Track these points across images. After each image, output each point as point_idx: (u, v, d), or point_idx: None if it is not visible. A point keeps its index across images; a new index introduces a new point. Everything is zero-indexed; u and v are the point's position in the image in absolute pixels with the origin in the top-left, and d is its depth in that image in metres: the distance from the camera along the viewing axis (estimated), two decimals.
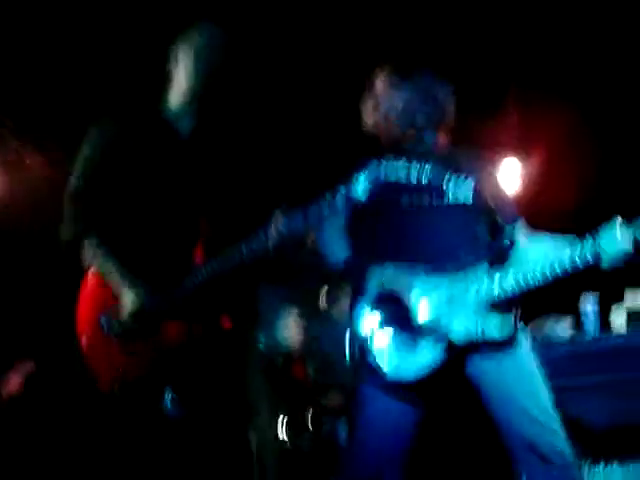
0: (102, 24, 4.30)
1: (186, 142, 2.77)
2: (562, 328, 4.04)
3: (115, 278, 2.60)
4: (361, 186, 2.56)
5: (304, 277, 4.70)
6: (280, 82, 4.40)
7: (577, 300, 4.11)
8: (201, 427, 2.60)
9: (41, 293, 4.73)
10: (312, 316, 4.74)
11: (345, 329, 4.39)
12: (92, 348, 2.60)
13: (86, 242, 2.63)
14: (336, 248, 2.81)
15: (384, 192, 2.73)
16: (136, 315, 2.56)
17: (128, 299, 2.57)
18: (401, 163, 2.77)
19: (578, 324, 4.08)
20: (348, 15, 4.21)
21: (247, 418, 2.81)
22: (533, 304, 2.80)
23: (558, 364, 3.43)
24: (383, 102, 2.91)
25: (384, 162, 2.78)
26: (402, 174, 2.80)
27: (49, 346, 4.42)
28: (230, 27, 2.87)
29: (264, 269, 2.78)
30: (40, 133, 4.96)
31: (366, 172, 2.63)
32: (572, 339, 4.00)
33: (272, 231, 2.57)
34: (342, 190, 2.57)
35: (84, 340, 2.62)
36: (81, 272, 2.70)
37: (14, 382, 4.38)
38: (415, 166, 2.81)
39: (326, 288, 4.74)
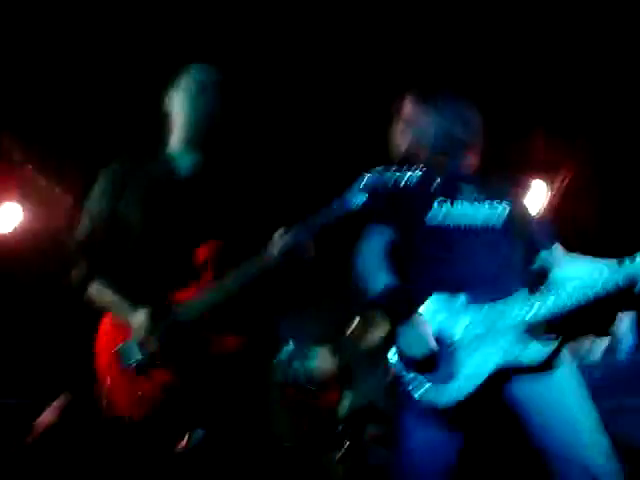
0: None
1: (186, 179, 2.80)
2: (598, 349, 3.99)
3: (120, 307, 2.67)
4: (357, 196, 2.60)
5: (337, 307, 4.70)
6: (285, 98, 4.44)
7: (613, 321, 4.06)
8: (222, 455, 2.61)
9: (68, 326, 4.74)
10: (345, 346, 4.73)
11: (378, 358, 4.40)
12: (114, 385, 2.64)
13: (92, 285, 2.73)
14: (375, 276, 2.76)
15: (399, 207, 2.76)
16: (149, 332, 2.59)
17: (135, 322, 2.61)
18: (412, 172, 2.72)
19: (614, 345, 4.02)
20: (372, 36, 4.23)
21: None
22: (569, 326, 2.77)
23: (596, 386, 3.37)
24: (412, 126, 2.92)
25: (388, 173, 2.71)
26: (449, 190, 2.80)
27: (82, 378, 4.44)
28: (228, 64, 2.92)
29: (280, 293, 2.82)
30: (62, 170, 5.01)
31: (361, 182, 2.62)
32: (608, 360, 3.94)
33: (272, 247, 2.62)
34: (339, 200, 2.61)
35: (107, 379, 2.67)
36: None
37: (50, 414, 4.38)
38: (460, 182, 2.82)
39: (358, 318, 4.73)
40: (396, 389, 2.69)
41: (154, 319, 2.60)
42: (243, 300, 2.66)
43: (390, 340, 2.75)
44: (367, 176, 2.62)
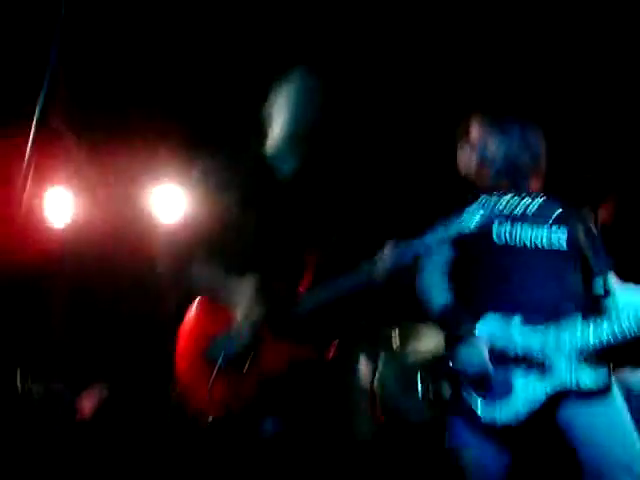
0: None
1: (288, 182, 2.85)
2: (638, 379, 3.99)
3: (228, 294, 2.67)
4: (473, 217, 2.58)
5: (375, 317, 4.74)
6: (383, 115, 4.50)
7: None
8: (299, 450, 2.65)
9: (116, 316, 4.82)
10: (383, 356, 4.76)
11: (416, 370, 4.43)
12: (192, 377, 2.66)
13: (192, 270, 2.74)
14: (435, 293, 2.84)
15: (489, 228, 2.77)
16: (253, 326, 2.60)
17: (243, 310, 2.62)
18: (511, 199, 2.79)
19: None
20: (442, 59, 4.30)
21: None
22: (621, 354, 2.82)
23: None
24: (480, 149, 2.97)
25: (495, 197, 2.79)
26: (513, 210, 2.85)
27: (125, 370, 4.52)
28: (329, 71, 2.97)
29: (371, 300, 2.82)
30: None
31: (479, 204, 2.66)
32: None
33: (379, 263, 2.60)
34: (453, 220, 2.60)
35: (184, 367, 2.69)
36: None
37: (87, 405, 4.45)
38: (524, 203, 2.86)
39: (398, 329, 4.77)
40: (446, 405, 2.74)
41: (265, 300, 2.61)
42: (339, 307, 2.68)
43: (441, 356, 2.82)
44: (482, 197, 2.66)
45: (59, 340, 4.71)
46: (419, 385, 4.34)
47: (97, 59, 4.26)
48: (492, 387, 2.65)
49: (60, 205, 4.94)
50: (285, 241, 2.75)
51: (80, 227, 4.86)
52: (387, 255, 2.61)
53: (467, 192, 2.90)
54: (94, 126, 4.62)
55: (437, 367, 4.44)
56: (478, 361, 2.65)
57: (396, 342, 4.74)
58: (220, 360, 2.59)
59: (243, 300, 2.63)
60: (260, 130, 2.90)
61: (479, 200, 2.70)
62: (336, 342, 2.76)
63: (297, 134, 2.82)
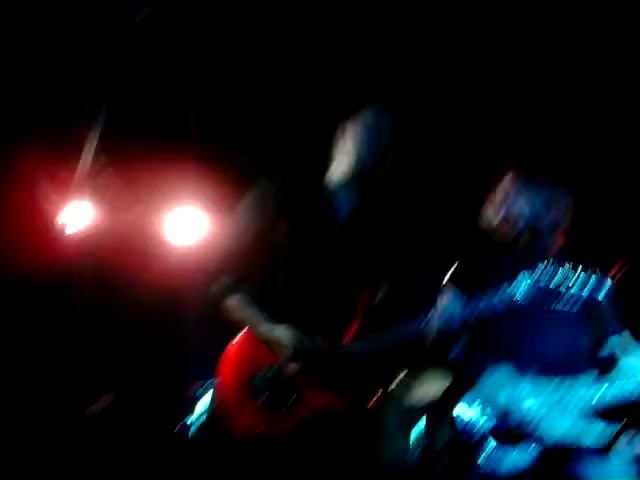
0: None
1: (346, 219, 2.82)
2: None
3: (267, 329, 2.63)
4: (524, 287, 2.60)
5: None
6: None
7: None
8: None
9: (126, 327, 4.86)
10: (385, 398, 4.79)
11: (416, 416, 4.45)
12: (234, 406, 2.68)
13: (234, 298, 2.71)
14: (448, 343, 2.89)
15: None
16: (292, 359, 2.57)
17: (284, 344, 2.58)
18: (555, 268, 2.82)
19: None
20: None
21: None
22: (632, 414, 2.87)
23: None
24: (508, 204, 3.04)
25: (543, 267, 2.80)
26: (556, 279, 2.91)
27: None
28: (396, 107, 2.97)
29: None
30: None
31: (531, 274, 2.68)
32: None
33: (432, 321, 2.60)
34: (505, 288, 2.62)
35: (228, 398, 2.70)
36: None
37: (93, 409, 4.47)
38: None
39: (403, 374, 4.79)
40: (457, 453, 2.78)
41: (302, 342, 2.58)
42: (381, 360, 2.70)
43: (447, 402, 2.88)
44: (538, 269, 2.68)
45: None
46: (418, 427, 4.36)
47: (128, 79, 4.33)
48: (504, 438, 2.70)
49: (81, 217, 4.98)
50: (335, 284, 2.71)
51: (100, 239, 4.91)
52: (439, 314, 2.62)
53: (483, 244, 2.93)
54: (124, 145, 4.67)
55: (439, 412, 4.47)
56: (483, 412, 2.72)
57: (400, 386, 4.77)
58: (264, 391, 2.62)
59: (284, 341, 2.61)
60: (324, 163, 2.91)
61: (534, 269, 2.72)
62: (378, 393, 2.75)
63: (363, 173, 2.82)
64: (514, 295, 2.64)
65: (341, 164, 2.84)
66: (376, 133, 2.79)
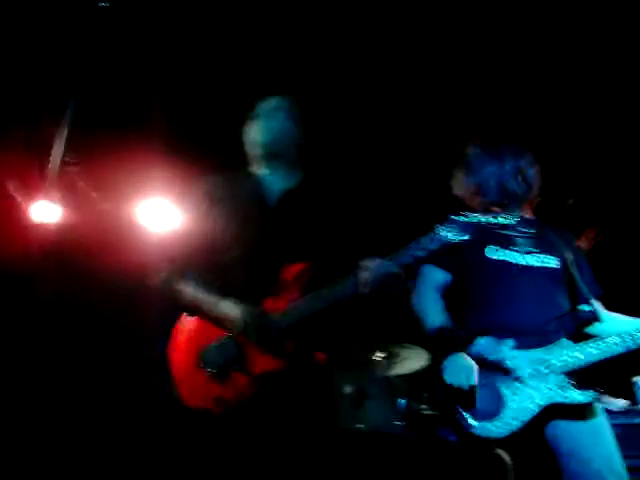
0: None
1: (275, 199, 2.94)
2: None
3: (214, 306, 2.75)
4: (452, 230, 2.65)
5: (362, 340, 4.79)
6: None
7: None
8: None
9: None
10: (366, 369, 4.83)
11: (396, 395, 4.49)
12: (189, 380, 2.74)
13: (180, 283, 2.83)
14: (430, 313, 2.94)
15: (477, 244, 2.86)
16: (240, 329, 2.67)
17: (232, 318, 2.69)
18: (502, 220, 2.80)
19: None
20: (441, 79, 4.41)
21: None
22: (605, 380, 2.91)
23: None
24: (474, 175, 3.07)
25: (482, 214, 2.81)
26: (505, 232, 2.94)
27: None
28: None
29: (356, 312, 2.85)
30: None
31: (465, 218, 2.69)
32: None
33: (364, 273, 2.64)
34: (437, 232, 2.66)
35: (179, 372, 2.77)
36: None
37: None
38: (515, 226, 2.93)
39: (385, 353, 4.83)
40: (447, 416, 2.79)
41: (251, 315, 2.68)
42: (324, 319, 2.72)
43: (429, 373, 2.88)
44: (462, 214, 2.71)
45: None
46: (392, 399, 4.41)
47: (94, 74, 4.31)
48: (481, 406, 2.71)
49: (50, 211, 4.97)
50: (273, 257, 2.80)
51: (66, 231, 4.91)
52: (373, 265, 2.65)
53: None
54: (90, 140, 4.66)
55: (420, 381, 4.52)
56: (468, 373, 2.72)
57: (382, 357, 4.81)
58: (213, 364, 2.69)
59: (234, 323, 2.70)
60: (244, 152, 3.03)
61: (464, 215, 2.73)
62: (320, 355, 2.79)
63: (274, 157, 2.94)
64: (446, 235, 2.65)
65: (253, 152, 2.99)
66: (273, 116, 2.94)
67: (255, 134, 2.96)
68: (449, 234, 2.64)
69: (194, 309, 2.81)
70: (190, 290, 2.82)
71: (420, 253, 2.66)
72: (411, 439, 4.22)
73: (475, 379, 2.72)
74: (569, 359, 2.73)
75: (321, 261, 2.80)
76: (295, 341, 2.71)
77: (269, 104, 2.99)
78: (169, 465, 3.37)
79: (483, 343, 2.79)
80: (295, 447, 2.64)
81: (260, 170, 2.98)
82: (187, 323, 2.84)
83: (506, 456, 2.79)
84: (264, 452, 2.64)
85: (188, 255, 2.87)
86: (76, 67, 4.05)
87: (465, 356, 2.76)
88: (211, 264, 2.85)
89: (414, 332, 2.97)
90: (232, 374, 2.67)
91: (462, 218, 2.66)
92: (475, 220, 2.66)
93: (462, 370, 2.74)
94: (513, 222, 2.72)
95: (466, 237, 2.64)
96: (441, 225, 2.66)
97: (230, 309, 2.72)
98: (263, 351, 2.68)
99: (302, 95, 3.03)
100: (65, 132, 4.18)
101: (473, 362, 2.74)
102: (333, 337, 2.82)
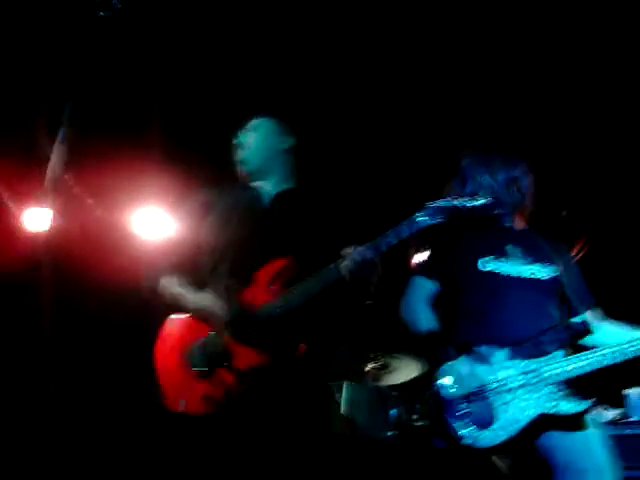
0: None
1: (267, 206, 3.04)
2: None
3: (198, 302, 2.83)
4: (427, 216, 2.71)
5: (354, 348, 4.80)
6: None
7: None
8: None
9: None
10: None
11: (387, 405, 4.49)
12: (176, 382, 2.79)
13: (167, 281, 2.92)
14: (421, 317, 2.95)
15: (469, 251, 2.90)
16: (224, 325, 2.72)
17: (216, 310, 2.76)
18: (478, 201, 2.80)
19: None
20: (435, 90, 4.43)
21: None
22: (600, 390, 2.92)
23: None
24: (465, 184, 3.07)
25: (457, 200, 2.81)
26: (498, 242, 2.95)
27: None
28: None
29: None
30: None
31: (432, 204, 2.74)
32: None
33: (345, 261, 2.69)
34: (409, 220, 2.71)
35: (165, 372, 2.83)
36: None
37: None
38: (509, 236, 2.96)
39: (376, 364, 4.83)
40: (436, 426, 2.80)
41: (232, 310, 2.75)
42: (307, 311, 2.76)
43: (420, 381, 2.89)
44: (438, 200, 2.76)
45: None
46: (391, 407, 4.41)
47: (91, 81, 4.33)
48: (471, 413, 2.73)
49: (44, 218, 4.95)
50: (266, 259, 2.86)
51: (60, 238, 4.91)
52: (353, 252, 2.69)
53: None
54: (86, 147, 4.67)
55: (412, 391, 4.53)
56: (458, 386, 2.74)
57: (373, 374, 4.82)
58: (199, 363, 2.74)
59: (216, 318, 2.77)
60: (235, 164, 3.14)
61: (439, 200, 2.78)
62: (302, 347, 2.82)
63: (256, 173, 3.07)
64: (423, 220, 2.70)
65: (246, 164, 3.10)
66: (253, 137, 3.09)
67: (237, 157, 3.11)
68: (425, 218, 2.71)
69: (180, 307, 2.89)
70: (176, 288, 2.91)
71: (396, 239, 2.71)
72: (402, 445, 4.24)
73: (465, 389, 2.73)
74: (559, 371, 2.73)
75: (304, 256, 2.85)
76: (278, 334, 2.74)
77: (246, 127, 3.13)
78: (168, 465, 3.36)
79: (475, 353, 2.80)
80: (286, 443, 2.68)
81: (253, 184, 3.10)
82: (172, 326, 2.91)
83: (500, 463, 2.80)
84: (254, 449, 2.68)
85: (181, 263, 2.95)
86: (72, 74, 4.06)
87: (456, 366, 2.77)
88: (203, 271, 2.93)
89: (405, 342, 2.98)
90: (218, 372, 2.71)
91: (436, 203, 2.72)
92: (450, 204, 2.72)
93: (453, 380, 2.75)
94: (488, 203, 2.76)
95: (440, 219, 2.71)
96: (418, 212, 2.72)
97: (213, 303, 2.79)
98: (247, 347, 2.72)
99: (293, 99, 3.07)
100: (61, 139, 4.21)
101: (463, 372, 2.75)
102: (314, 328, 2.85)
